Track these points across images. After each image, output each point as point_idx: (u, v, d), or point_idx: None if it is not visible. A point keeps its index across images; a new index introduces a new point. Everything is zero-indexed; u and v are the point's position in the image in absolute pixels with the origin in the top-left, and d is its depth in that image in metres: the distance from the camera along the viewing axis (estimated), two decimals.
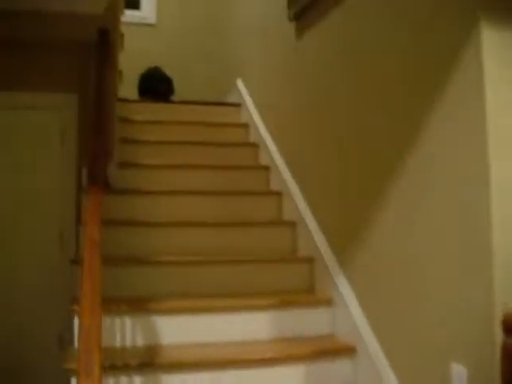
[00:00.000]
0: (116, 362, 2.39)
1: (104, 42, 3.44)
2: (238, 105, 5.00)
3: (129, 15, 5.96)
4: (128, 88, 5.35)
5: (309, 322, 2.91)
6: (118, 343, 2.67)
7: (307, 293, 3.19)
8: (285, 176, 3.73)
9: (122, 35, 4.37)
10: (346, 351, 2.70)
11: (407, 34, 2.31)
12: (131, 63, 5.46)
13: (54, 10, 3.54)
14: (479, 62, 1.88)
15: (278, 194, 3.78)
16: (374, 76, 2.60)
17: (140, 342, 2.70)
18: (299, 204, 3.46)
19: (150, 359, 2.45)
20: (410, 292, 2.30)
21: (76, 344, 2.52)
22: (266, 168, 4.07)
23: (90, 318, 1.86)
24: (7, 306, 3.71)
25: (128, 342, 2.68)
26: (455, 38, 2.00)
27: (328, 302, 2.94)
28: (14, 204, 3.81)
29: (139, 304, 2.77)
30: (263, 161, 4.21)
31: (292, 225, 3.51)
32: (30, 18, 3.57)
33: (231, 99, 5.32)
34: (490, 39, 1.88)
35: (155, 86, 5.34)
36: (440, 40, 2.10)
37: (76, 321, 2.59)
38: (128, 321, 2.70)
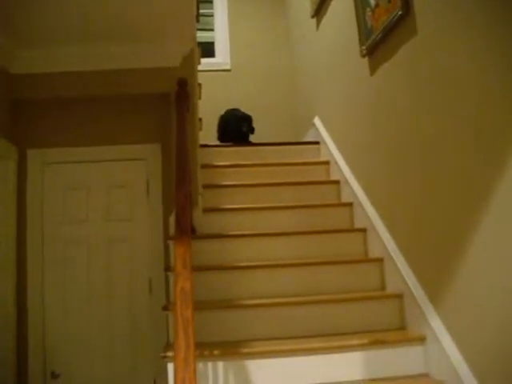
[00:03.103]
0: None
1: (183, 91, 3.55)
2: (316, 143, 5.02)
3: (205, 63, 6.15)
4: (208, 133, 5.48)
5: (401, 361, 2.82)
6: None
7: (398, 330, 3.11)
8: (369, 212, 3.70)
9: (200, 84, 4.50)
10: None
11: (482, 70, 2.29)
12: (210, 109, 5.61)
13: (136, 67, 3.71)
14: None
15: (363, 230, 3.76)
16: (452, 110, 2.56)
17: None
18: (385, 239, 3.42)
19: None
20: (507, 321, 2.21)
21: None
22: (350, 205, 4.05)
23: (184, 370, 1.91)
24: (105, 355, 3.82)
25: None
26: None
27: (421, 340, 2.85)
28: (105, 253, 3.94)
29: (231, 348, 2.79)
30: (346, 198, 4.19)
31: (379, 261, 3.46)
32: (112, 76, 3.76)
33: (309, 137, 5.35)
34: None
35: (236, 125, 5.42)
36: None
37: (169, 366, 2.63)
38: (221, 365, 2.73)
